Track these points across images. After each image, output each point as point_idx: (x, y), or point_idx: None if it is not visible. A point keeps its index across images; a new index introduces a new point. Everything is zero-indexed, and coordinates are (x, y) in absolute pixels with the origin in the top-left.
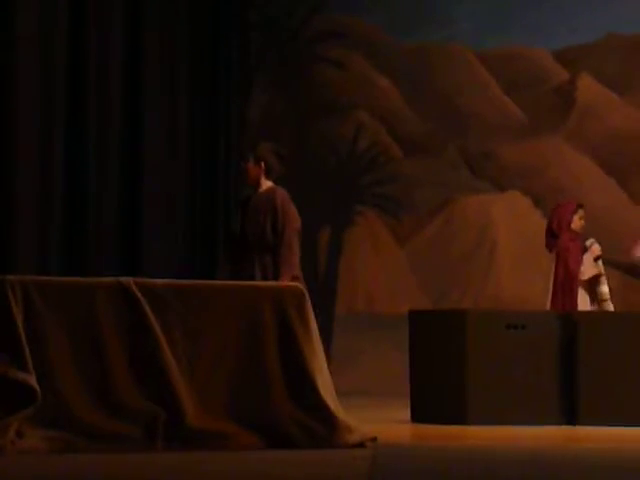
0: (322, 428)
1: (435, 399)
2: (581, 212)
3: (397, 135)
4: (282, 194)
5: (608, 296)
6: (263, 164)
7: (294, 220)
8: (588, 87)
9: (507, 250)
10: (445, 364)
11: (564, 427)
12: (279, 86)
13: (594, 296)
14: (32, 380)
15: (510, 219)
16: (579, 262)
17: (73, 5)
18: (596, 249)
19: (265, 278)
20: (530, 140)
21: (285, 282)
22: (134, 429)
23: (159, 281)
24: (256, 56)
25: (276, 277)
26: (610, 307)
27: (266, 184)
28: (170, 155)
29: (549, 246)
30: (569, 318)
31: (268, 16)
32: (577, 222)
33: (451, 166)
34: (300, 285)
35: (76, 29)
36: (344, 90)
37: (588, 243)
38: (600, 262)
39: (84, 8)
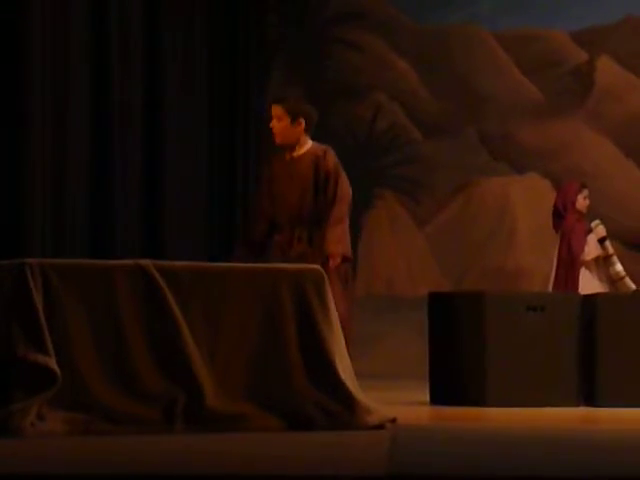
0: (342, 410)
1: (454, 381)
2: (585, 192)
3: (415, 117)
4: (334, 157)
5: (623, 273)
6: (303, 120)
7: (348, 190)
8: (607, 69)
9: (526, 232)
10: (464, 346)
11: (583, 409)
12: (297, 68)
13: (608, 277)
14: (52, 363)
15: (529, 201)
16: (582, 242)
17: (93, 7)
18: (601, 230)
19: (304, 259)
20: (548, 122)
21: (335, 262)
22: (154, 411)
23: (178, 264)
24: (274, 39)
25: (321, 256)
26: (630, 284)
27: (307, 144)
28: (190, 145)
29: (555, 227)
30: (589, 300)
31: None
32: (581, 202)
33: (470, 148)
34: (320, 268)
35: (97, 41)
36: (362, 72)
37: (593, 224)
38: (607, 243)
39: (104, 19)
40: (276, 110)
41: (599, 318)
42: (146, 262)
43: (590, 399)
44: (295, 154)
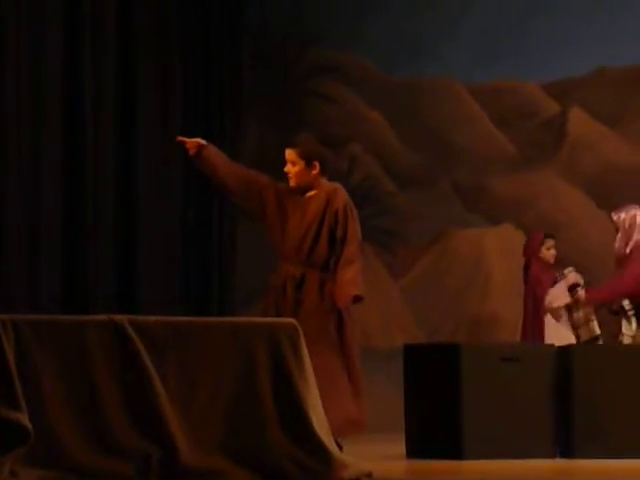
0: (317, 464)
1: (430, 434)
2: (549, 242)
3: (390, 169)
4: (344, 195)
5: (588, 318)
6: (318, 163)
7: (358, 230)
8: (579, 120)
9: (501, 282)
10: (440, 398)
11: (560, 460)
12: (272, 122)
13: (572, 323)
14: (24, 419)
15: (503, 252)
16: (546, 291)
17: (67, 42)
18: (572, 277)
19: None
20: (522, 173)
21: (343, 304)
22: (128, 467)
23: (152, 318)
24: (249, 92)
25: (330, 296)
26: (594, 329)
27: (321, 185)
28: (163, 194)
29: (524, 278)
30: (564, 350)
31: (260, 53)
32: (545, 252)
33: (443, 199)
34: (294, 322)
35: (71, 70)
36: (337, 124)
37: (566, 271)
38: (580, 290)
39: (78, 48)
40: (290, 155)
41: (574, 369)
42: (120, 317)
43: (566, 451)
44: (308, 195)
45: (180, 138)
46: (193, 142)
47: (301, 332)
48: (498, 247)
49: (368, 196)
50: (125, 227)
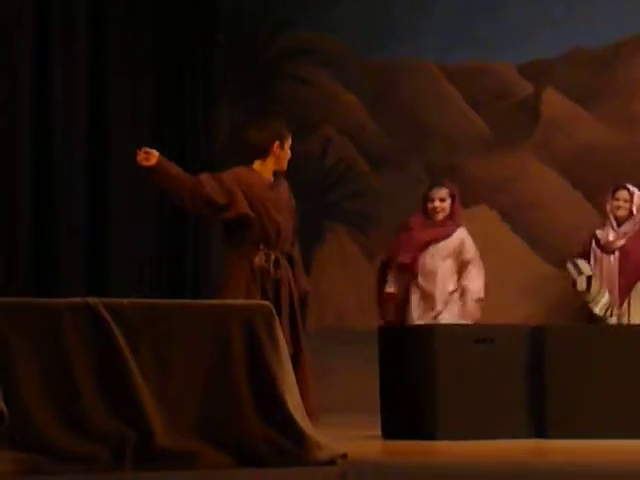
0: (291, 445)
1: (405, 415)
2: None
3: (364, 150)
4: None
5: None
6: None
7: None
8: (553, 101)
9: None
10: (415, 379)
11: (534, 440)
12: (246, 104)
13: None
14: None
15: (477, 234)
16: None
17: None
18: None
19: (283, 284)
20: (495, 154)
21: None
22: (103, 450)
23: (126, 300)
24: (222, 75)
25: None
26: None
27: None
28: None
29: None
30: (537, 331)
31: (233, 35)
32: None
33: (417, 181)
34: (269, 304)
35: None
36: (311, 107)
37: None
38: None
39: (49, 50)
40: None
41: (547, 349)
42: (94, 300)
43: (540, 431)
44: (277, 181)
45: (144, 149)
46: (153, 152)
47: (275, 314)
48: (472, 229)
49: (342, 178)
50: (98, 213)
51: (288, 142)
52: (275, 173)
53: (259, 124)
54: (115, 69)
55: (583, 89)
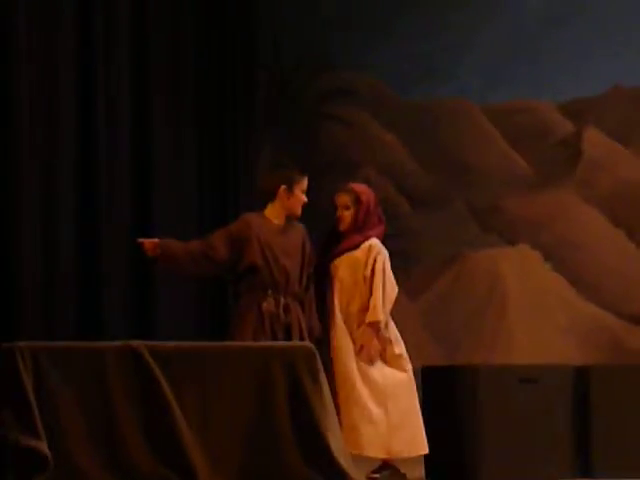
0: None
1: (450, 456)
2: None
3: (404, 190)
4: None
5: None
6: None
7: None
8: (594, 139)
9: (518, 304)
10: (459, 419)
11: None
12: (286, 145)
13: None
14: (43, 447)
15: (519, 273)
16: None
17: (80, 68)
18: None
19: (293, 329)
20: (537, 193)
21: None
22: None
23: (169, 344)
24: (263, 116)
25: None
26: None
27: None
28: (181, 223)
29: None
30: (582, 371)
31: (274, 78)
32: None
33: (459, 220)
34: (311, 345)
35: (85, 103)
36: (350, 147)
37: None
38: None
39: (92, 85)
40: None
41: (593, 389)
42: (137, 343)
43: (586, 471)
44: (288, 224)
45: (140, 240)
46: (151, 242)
47: (318, 356)
48: (514, 268)
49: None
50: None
51: (299, 187)
52: (288, 218)
53: (271, 170)
54: (158, 114)
55: (624, 127)
